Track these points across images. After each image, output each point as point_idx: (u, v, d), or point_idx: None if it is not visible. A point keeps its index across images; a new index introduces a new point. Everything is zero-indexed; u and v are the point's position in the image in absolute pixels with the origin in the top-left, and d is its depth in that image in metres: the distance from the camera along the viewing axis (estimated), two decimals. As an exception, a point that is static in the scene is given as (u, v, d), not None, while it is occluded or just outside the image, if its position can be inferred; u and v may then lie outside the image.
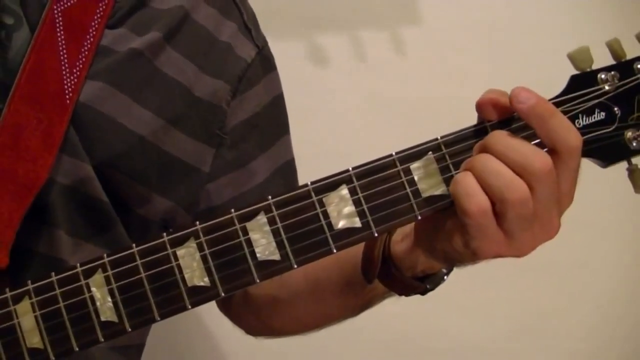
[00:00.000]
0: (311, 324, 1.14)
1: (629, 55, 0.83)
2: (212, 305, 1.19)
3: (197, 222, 0.84)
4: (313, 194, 0.83)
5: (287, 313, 1.14)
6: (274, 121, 1.20)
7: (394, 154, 0.83)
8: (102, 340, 0.84)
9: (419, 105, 1.80)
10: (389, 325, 1.72)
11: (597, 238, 1.88)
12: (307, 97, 1.69)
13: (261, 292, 1.13)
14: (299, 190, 0.83)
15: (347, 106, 1.82)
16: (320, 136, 1.76)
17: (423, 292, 0.97)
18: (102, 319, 0.84)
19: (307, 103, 1.65)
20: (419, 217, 0.82)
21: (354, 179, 0.82)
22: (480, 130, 0.83)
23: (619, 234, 1.90)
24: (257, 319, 1.19)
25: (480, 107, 0.83)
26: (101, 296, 0.84)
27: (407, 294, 0.97)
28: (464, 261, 0.89)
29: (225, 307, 1.21)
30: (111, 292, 0.84)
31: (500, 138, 0.80)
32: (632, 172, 0.83)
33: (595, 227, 1.86)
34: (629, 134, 0.82)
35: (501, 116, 0.83)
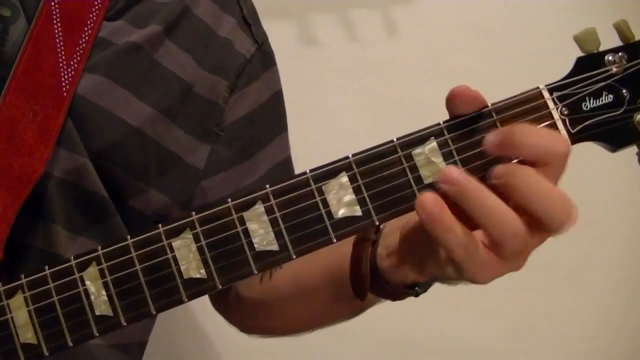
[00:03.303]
0: (304, 327, 1.13)
1: (637, 37, 0.81)
2: (210, 306, 1.18)
3: (193, 213, 0.82)
4: (312, 182, 0.80)
5: (278, 317, 1.13)
6: (271, 118, 1.19)
7: (395, 139, 0.80)
8: (97, 334, 0.83)
9: (417, 108, 1.77)
10: (388, 326, 1.71)
11: (597, 237, 1.86)
12: (304, 100, 1.69)
13: (252, 296, 1.12)
14: (298, 179, 0.81)
15: (344, 110, 1.82)
16: (316, 139, 1.74)
17: (416, 295, 0.95)
18: (97, 312, 0.82)
19: (303, 106, 1.65)
20: None
21: (354, 166, 0.80)
22: (484, 115, 0.80)
23: (620, 233, 1.89)
24: (249, 320, 1.18)
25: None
26: (95, 289, 0.82)
27: (400, 299, 0.96)
28: (457, 283, 0.88)
29: (219, 305, 1.21)
30: (106, 285, 0.82)
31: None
32: (641, 157, 0.81)
33: (596, 227, 1.85)
34: (638, 117, 0.80)
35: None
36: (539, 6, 1.86)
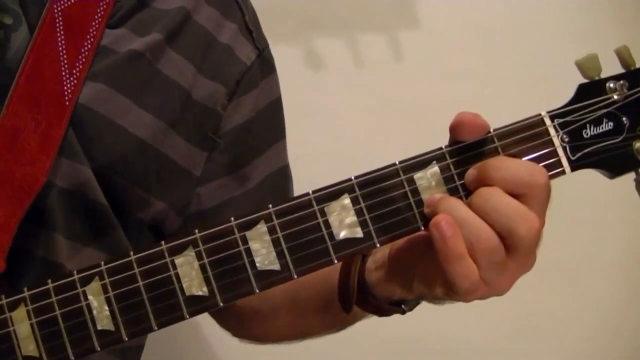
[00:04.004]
0: (292, 336, 1.14)
1: (638, 64, 0.81)
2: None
3: (196, 230, 0.83)
4: (314, 203, 0.81)
5: (268, 325, 1.14)
6: (269, 126, 1.18)
7: (397, 163, 0.81)
8: (99, 349, 0.83)
9: (417, 109, 1.79)
10: (388, 326, 1.70)
11: (598, 237, 1.87)
12: (305, 101, 1.68)
13: (246, 303, 1.12)
14: (300, 199, 0.81)
15: (345, 111, 1.82)
16: (317, 140, 1.76)
17: (402, 313, 0.96)
18: (99, 327, 0.83)
19: (305, 107, 1.64)
20: (422, 228, 0.81)
21: (356, 188, 0.81)
22: (486, 140, 0.81)
23: (620, 233, 1.89)
24: (240, 326, 1.19)
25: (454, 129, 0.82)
26: (98, 304, 0.83)
27: (386, 315, 0.97)
28: (443, 303, 0.90)
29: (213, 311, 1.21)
30: (108, 301, 0.83)
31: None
32: (639, 183, 0.81)
33: (597, 227, 1.86)
34: (637, 144, 0.80)
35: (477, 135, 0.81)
36: (539, 6, 1.85)
